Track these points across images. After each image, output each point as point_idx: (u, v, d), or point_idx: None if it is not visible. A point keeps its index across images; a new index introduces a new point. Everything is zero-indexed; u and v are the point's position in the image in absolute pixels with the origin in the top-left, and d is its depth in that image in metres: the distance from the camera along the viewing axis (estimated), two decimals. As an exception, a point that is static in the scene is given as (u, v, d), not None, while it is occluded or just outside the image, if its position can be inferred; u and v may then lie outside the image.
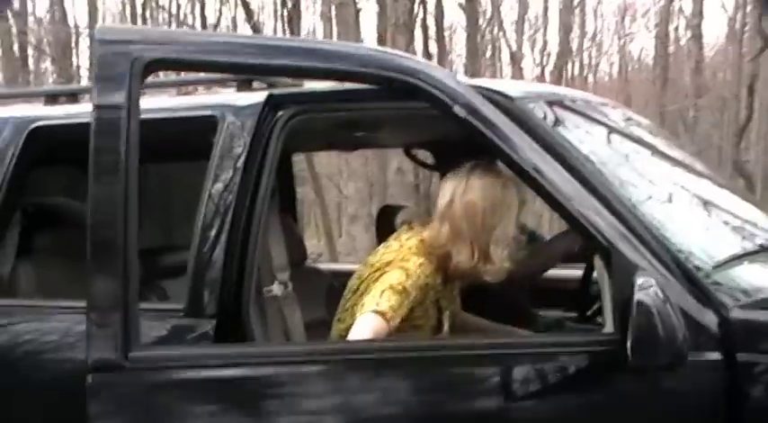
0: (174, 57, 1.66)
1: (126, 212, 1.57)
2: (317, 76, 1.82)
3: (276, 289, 2.21)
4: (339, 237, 15.63)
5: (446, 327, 2.16)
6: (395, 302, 1.93)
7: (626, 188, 1.84)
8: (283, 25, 15.27)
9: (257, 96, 2.12)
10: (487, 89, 1.92)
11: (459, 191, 2.06)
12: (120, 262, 1.55)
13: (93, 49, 1.57)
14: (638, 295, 1.52)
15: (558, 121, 1.96)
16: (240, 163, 2.01)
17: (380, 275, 2.03)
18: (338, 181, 16.04)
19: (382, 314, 1.90)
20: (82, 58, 22.43)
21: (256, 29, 13.16)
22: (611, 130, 2.24)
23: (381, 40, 11.19)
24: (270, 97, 2.06)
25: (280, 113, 2.03)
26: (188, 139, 2.16)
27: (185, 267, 2.01)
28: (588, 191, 1.74)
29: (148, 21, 22.76)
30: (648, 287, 1.53)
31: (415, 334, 2.07)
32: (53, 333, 2.14)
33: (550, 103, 2.03)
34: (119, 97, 1.57)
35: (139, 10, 22.42)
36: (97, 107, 1.59)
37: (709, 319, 1.66)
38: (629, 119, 2.42)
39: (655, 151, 2.33)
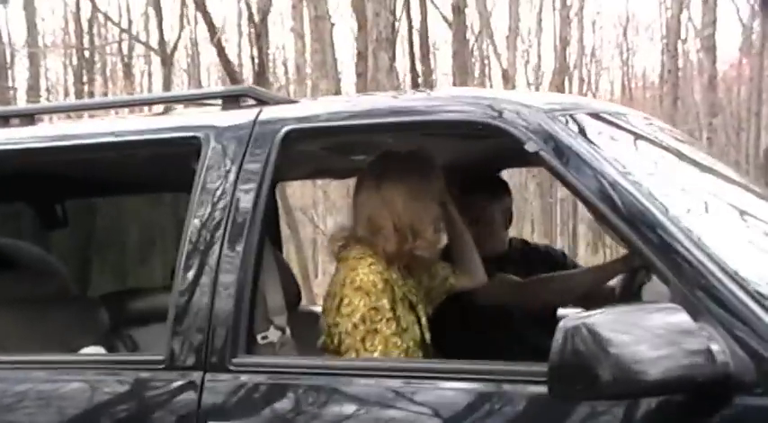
0: (303, 127, 2.06)
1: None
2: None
3: (272, 335, 2.17)
4: (315, 277, 15.58)
5: (423, 320, 2.28)
6: (379, 343, 2.06)
7: (683, 208, 1.82)
8: (250, 42, 15.33)
9: (245, 115, 2.09)
10: (509, 101, 1.92)
11: (374, 183, 2.25)
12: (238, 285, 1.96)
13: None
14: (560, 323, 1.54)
15: (587, 133, 1.95)
16: (228, 191, 1.98)
17: (339, 302, 2.11)
18: (312, 215, 16.05)
19: None
20: (19, 80, 22.33)
21: (220, 47, 13.19)
22: (653, 142, 2.23)
23: (361, 57, 11.25)
24: (261, 115, 2.05)
25: (271, 135, 2.01)
26: (168, 165, 2.13)
27: (158, 313, 1.98)
28: (636, 212, 1.73)
29: (95, 38, 22.83)
30: (575, 318, 1.52)
31: (406, 336, 2.18)
32: None
33: (578, 115, 2.02)
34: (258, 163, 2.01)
35: (85, 26, 22.49)
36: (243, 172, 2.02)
37: None
38: (666, 130, 2.42)
39: (701, 166, 2.32)
